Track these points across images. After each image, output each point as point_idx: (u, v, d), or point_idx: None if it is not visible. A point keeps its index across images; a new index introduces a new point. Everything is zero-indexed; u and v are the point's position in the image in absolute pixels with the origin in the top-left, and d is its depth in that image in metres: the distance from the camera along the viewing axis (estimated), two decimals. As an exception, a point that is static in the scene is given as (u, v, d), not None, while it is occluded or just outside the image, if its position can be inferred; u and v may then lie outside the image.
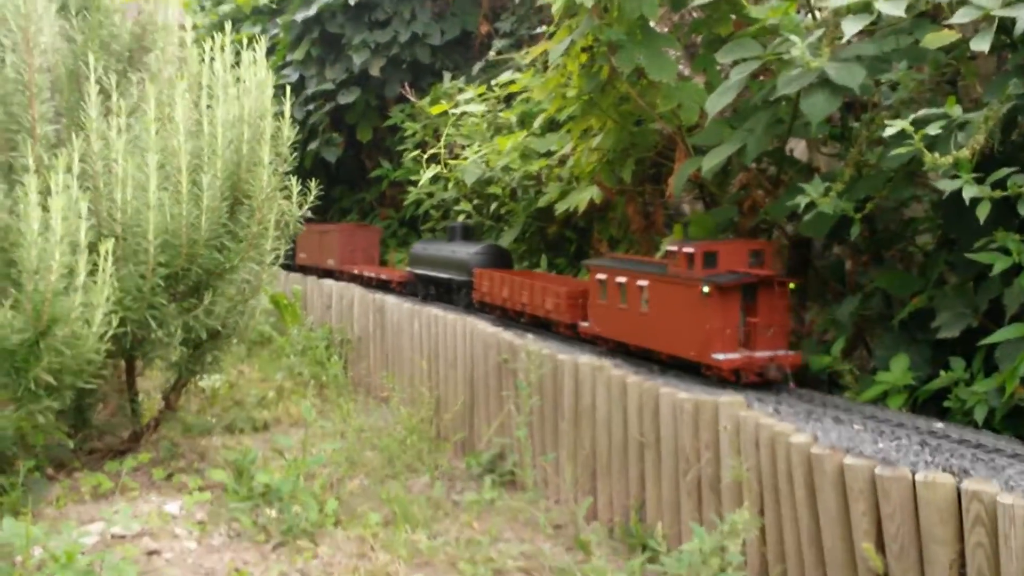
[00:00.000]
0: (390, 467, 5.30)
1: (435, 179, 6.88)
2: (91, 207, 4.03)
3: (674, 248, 3.96)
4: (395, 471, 5.25)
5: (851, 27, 3.15)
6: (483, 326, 5.36)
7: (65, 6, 4.41)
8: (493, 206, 6.57)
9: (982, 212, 2.97)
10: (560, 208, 5.64)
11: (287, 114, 4.24)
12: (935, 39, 3.13)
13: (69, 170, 3.41)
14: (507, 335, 5.09)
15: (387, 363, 6.83)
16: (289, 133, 4.25)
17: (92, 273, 3.64)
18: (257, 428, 6.14)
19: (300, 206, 5.13)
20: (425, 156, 6.69)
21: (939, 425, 3.25)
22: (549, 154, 5.96)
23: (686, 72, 5.33)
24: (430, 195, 7.15)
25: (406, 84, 7.49)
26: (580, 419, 4.46)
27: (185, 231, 3.94)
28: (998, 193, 2.97)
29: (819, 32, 3.41)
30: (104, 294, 3.55)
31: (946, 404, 3.50)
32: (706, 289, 3.72)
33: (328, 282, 8.09)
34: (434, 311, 6.05)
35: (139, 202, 3.86)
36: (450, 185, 6.82)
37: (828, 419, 3.36)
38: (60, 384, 3.55)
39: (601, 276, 4.52)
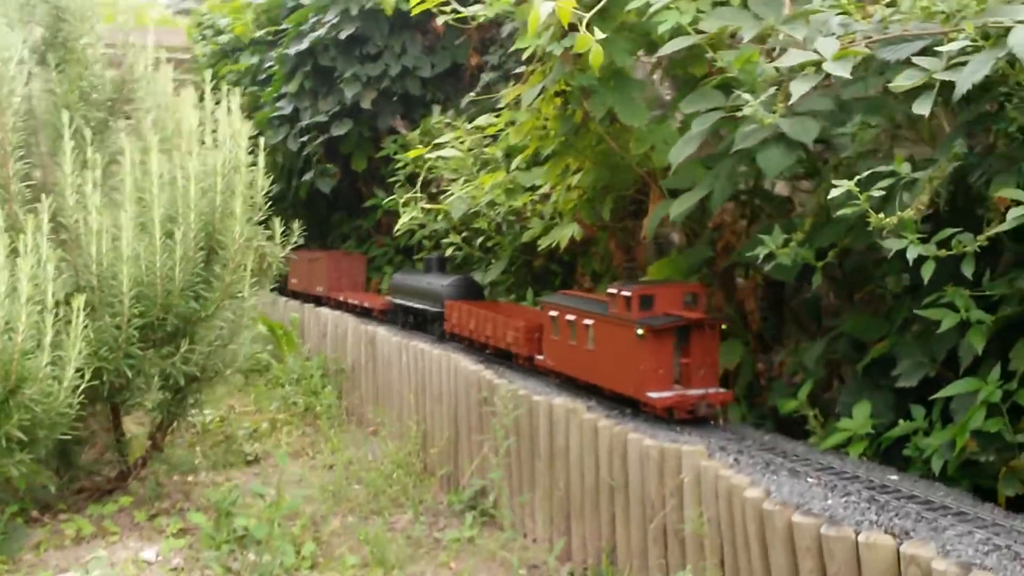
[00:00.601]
0: (375, 502, 5.36)
1: (426, 210, 6.93)
2: (67, 259, 4.12)
3: (614, 291, 4.18)
4: (380, 506, 5.31)
5: (799, 88, 3.19)
6: (465, 363, 5.41)
7: (44, 60, 4.49)
8: (480, 239, 6.63)
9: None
10: (543, 244, 5.69)
11: (261, 164, 4.30)
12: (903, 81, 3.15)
13: (39, 229, 3.49)
14: (487, 373, 5.14)
15: (378, 395, 6.89)
16: (263, 183, 4.32)
17: (67, 325, 3.73)
18: (248, 462, 6.22)
19: (284, 246, 5.23)
20: (402, 200, 6.74)
21: (893, 477, 3.28)
22: (534, 188, 6.00)
23: (668, 97, 5.36)
24: (422, 226, 7.21)
25: (397, 117, 7.56)
26: (555, 460, 4.50)
27: (160, 282, 4.01)
28: (943, 252, 3.00)
29: (773, 89, 3.45)
30: (76, 349, 3.63)
31: (906, 452, 3.53)
32: (640, 331, 3.95)
33: (324, 311, 8.16)
34: (421, 346, 6.11)
35: (114, 254, 3.93)
36: (440, 217, 6.88)
37: (785, 471, 3.39)
38: (33, 437, 3.62)
39: (553, 313, 4.74)
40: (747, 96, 3.33)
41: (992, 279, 3.23)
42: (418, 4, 4.86)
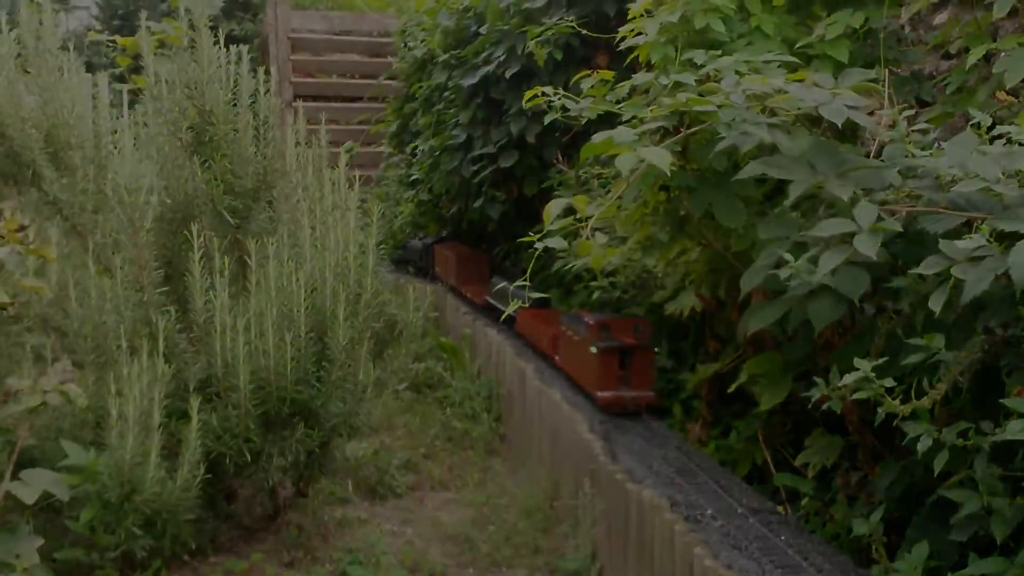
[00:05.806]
0: (499, 552, 5.69)
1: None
2: (197, 350, 4.64)
3: (587, 319, 5.86)
4: (502, 557, 5.64)
5: (828, 263, 3.18)
6: (581, 428, 5.63)
7: (192, 159, 5.00)
8: (619, 292, 6.79)
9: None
10: (669, 309, 5.82)
11: (371, 265, 4.64)
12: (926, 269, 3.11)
13: (152, 354, 3.99)
14: (597, 444, 5.34)
15: (526, 429, 7.20)
16: (374, 283, 4.66)
17: (186, 417, 4.25)
18: (398, 494, 6.69)
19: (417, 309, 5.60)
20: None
21: (918, 647, 3.28)
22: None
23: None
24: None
25: (558, 152, 7.75)
26: (643, 550, 4.68)
27: (274, 379, 4.46)
28: (960, 442, 2.96)
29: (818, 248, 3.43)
30: (190, 448, 4.13)
31: (954, 610, 3.48)
32: (594, 350, 5.71)
33: (491, 332, 8.52)
34: (555, 397, 6.35)
35: (234, 352, 4.40)
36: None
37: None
38: (155, 524, 4.16)
39: (564, 328, 6.45)
40: (787, 256, 3.36)
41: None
42: (530, 99, 5.05)
